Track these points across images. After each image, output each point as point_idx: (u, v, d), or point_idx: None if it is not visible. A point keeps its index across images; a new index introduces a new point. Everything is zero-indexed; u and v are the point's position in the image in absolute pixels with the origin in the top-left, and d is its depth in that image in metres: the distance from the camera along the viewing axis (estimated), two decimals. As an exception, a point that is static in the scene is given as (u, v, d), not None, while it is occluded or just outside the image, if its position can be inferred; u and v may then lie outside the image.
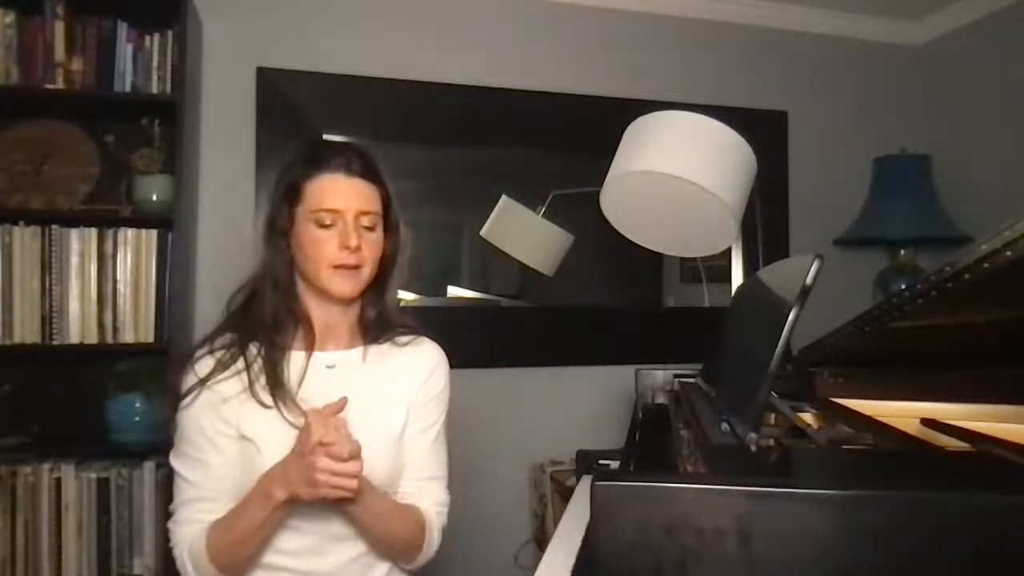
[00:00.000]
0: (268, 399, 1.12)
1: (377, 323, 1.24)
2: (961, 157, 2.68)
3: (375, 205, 1.17)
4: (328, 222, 1.13)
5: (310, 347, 1.19)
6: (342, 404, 1.07)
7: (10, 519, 1.83)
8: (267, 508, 1.05)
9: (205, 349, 1.16)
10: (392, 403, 1.21)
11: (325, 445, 1.00)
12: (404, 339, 1.27)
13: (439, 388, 1.28)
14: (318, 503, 1.09)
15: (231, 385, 1.13)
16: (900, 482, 0.73)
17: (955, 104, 2.76)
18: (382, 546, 1.19)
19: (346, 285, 1.15)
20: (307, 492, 1.03)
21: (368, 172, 1.17)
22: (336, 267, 1.14)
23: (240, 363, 1.14)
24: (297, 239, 1.16)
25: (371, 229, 1.17)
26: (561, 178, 2.46)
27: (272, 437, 1.11)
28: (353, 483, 1.03)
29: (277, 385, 1.13)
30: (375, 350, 1.24)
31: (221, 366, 1.14)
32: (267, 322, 1.16)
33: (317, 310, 1.20)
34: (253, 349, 1.15)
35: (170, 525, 1.14)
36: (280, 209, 1.18)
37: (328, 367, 1.19)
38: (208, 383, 1.13)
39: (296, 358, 1.18)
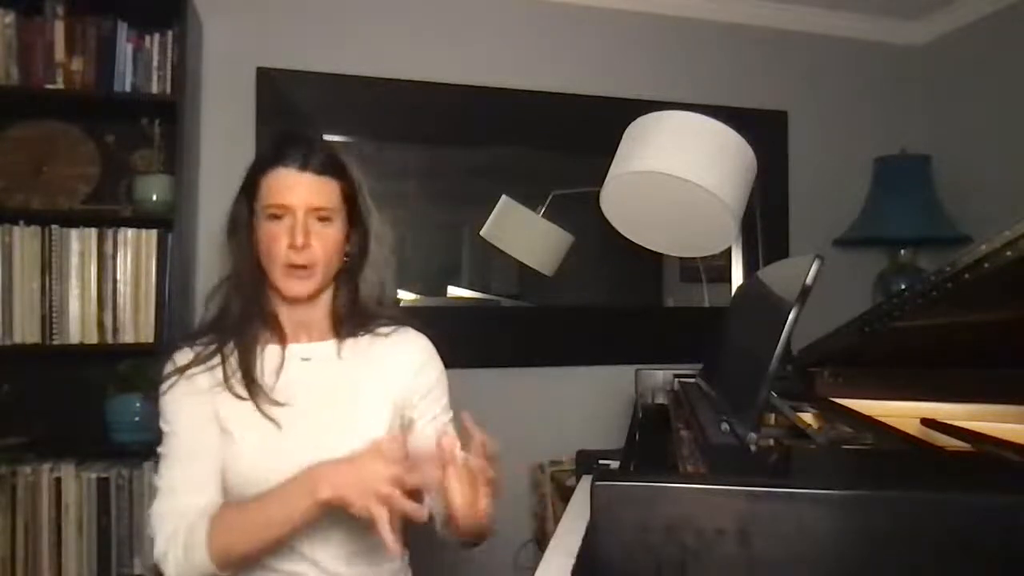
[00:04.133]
0: (244, 392, 1.13)
1: (349, 316, 1.22)
2: (961, 157, 2.68)
3: (330, 200, 1.15)
4: (279, 216, 1.13)
5: (283, 341, 1.19)
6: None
7: (10, 519, 1.83)
8: (304, 505, 1.01)
9: (185, 344, 1.18)
10: (376, 394, 1.20)
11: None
12: (386, 330, 1.25)
13: (436, 374, 1.26)
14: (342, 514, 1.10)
15: (206, 378, 1.14)
16: (900, 482, 0.73)
17: (955, 104, 2.76)
18: (473, 528, 1.17)
19: (298, 286, 1.14)
20: (358, 497, 0.98)
21: (325, 167, 1.15)
22: (288, 267, 1.13)
23: (216, 359, 1.15)
24: (256, 234, 1.16)
25: (326, 221, 1.15)
26: (561, 178, 2.46)
27: (247, 428, 1.12)
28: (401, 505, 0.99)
29: (251, 381, 1.13)
30: (352, 343, 1.22)
31: (198, 359, 1.15)
32: (238, 320, 1.17)
33: (285, 307, 1.19)
34: (230, 345, 1.16)
35: (152, 512, 1.10)
36: (241, 204, 1.18)
37: (304, 359, 1.19)
38: (185, 373, 1.13)
39: (272, 352, 1.18)
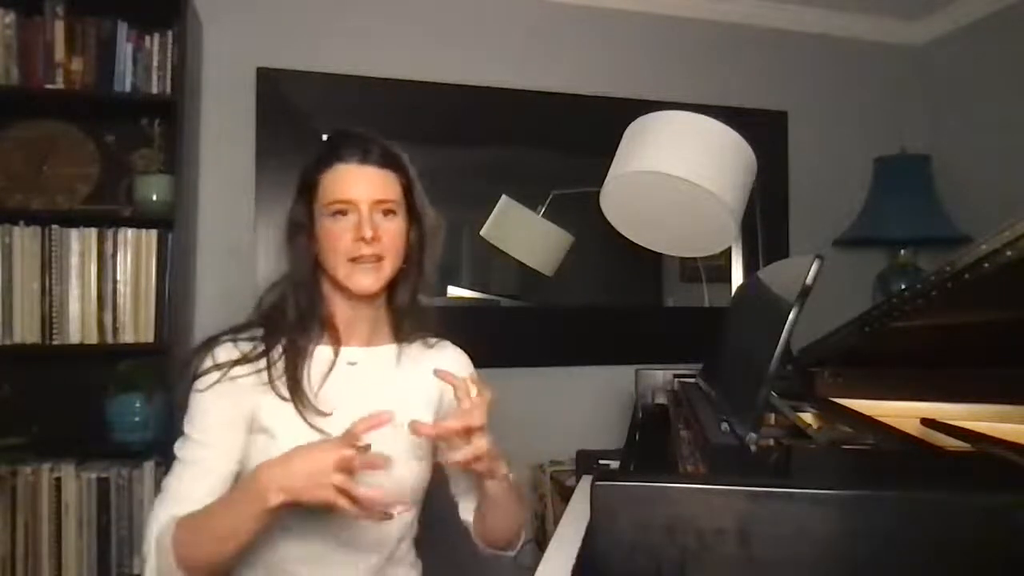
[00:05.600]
0: (287, 393, 1.10)
1: (407, 318, 1.20)
2: (961, 157, 2.68)
3: (393, 192, 1.13)
4: (343, 212, 1.10)
5: (335, 343, 1.16)
6: (385, 419, 0.98)
7: (10, 519, 1.83)
8: (254, 512, 0.96)
9: (229, 337, 1.13)
10: (418, 404, 1.18)
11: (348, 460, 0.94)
12: (432, 340, 1.25)
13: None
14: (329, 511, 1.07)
15: (250, 379, 1.10)
16: (900, 482, 0.73)
17: (955, 104, 2.76)
18: (501, 531, 1.20)
19: (366, 280, 1.11)
20: (311, 496, 0.94)
21: (385, 160, 1.14)
22: (354, 260, 1.10)
23: (263, 360, 1.11)
24: (317, 235, 1.13)
25: (391, 216, 1.13)
26: (561, 178, 2.46)
27: (289, 430, 1.07)
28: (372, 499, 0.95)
29: (296, 385, 1.10)
30: (407, 349, 1.21)
31: (245, 359, 1.10)
32: (292, 322, 1.14)
33: (343, 307, 1.17)
34: (279, 347, 1.12)
35: (150, 516, 1.05)
36: (299, 205, 1.16)
37: (350, 364, 1.16)
38: (227, 372, 1.09)
39: (321, 353, 1.15)
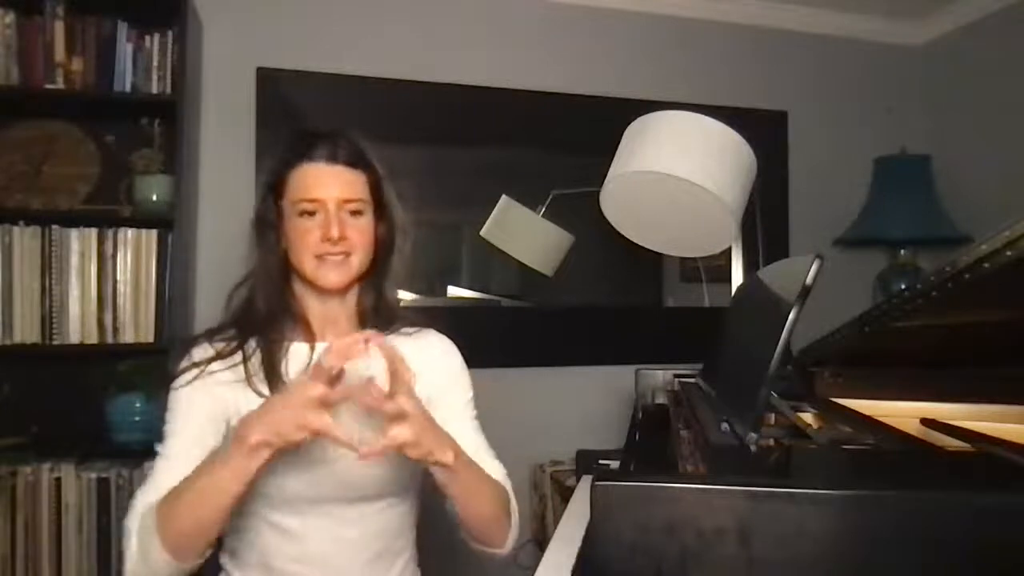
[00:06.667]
0: (265, 389, 1.10)
1: (376, 312, 1.21)
2: (961, 157, 2.68)
3: (360, 191, 1.14)
4: (311, 212, 1.12)
5: (309, 339, 1.17)
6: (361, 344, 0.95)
7: (10, 519, 1.83)
8: (237, 462, 0.95)
9: (204, 339, 1.15)
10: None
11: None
12: (410, 330, 1.25)
13: (456, 371, 1.25)
14: (333, 499, 1.08)
15: (228, 374, 1.11)
16: (900, 482, 0.73)
17: (955, 104, 2.76)
18: (477, 522, 1.14)
19: (332, 275, 1.13)
20: (292, 430, 0.93)
21: (353, 159, 1.14)
22: (321, 257, 1.12)
23: (238, 356, 1.12)
24: (285, 232, 1.15)
25: (358, 215, 1.14)
26: (561, 178, 2.46)
27: None
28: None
29: (274, 378, 1.11)
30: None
31: (219, 355, 1.12)
32: (263, 317, 1.15)
33: (314, 302, 1.18)
34: (252, 343, 1.14)
35: (132, 504, 1.06)
36: (266, 203, 1.17)
37: None
38: (204, 368, 1.10)
39: (297, 350, 1.16)
